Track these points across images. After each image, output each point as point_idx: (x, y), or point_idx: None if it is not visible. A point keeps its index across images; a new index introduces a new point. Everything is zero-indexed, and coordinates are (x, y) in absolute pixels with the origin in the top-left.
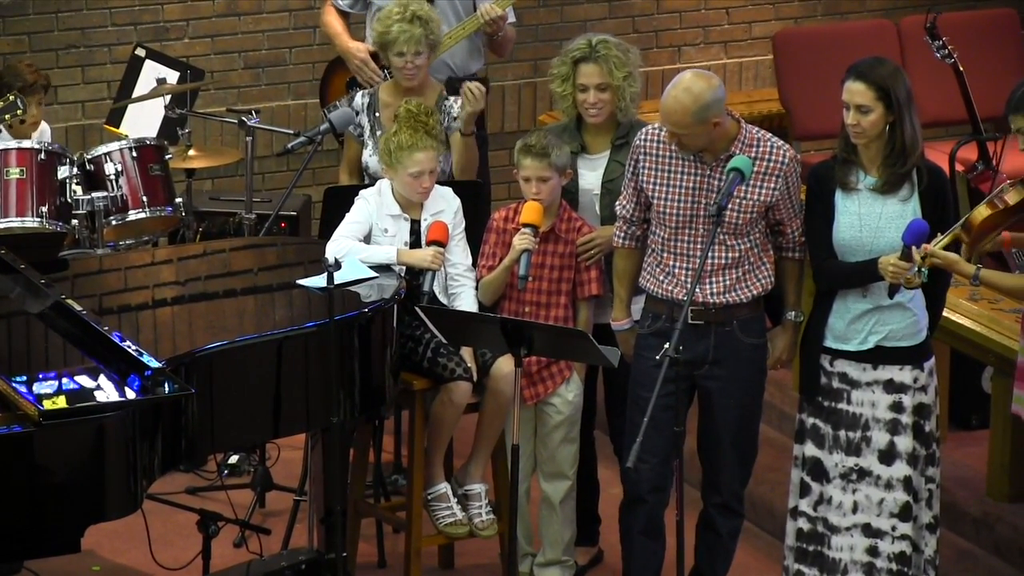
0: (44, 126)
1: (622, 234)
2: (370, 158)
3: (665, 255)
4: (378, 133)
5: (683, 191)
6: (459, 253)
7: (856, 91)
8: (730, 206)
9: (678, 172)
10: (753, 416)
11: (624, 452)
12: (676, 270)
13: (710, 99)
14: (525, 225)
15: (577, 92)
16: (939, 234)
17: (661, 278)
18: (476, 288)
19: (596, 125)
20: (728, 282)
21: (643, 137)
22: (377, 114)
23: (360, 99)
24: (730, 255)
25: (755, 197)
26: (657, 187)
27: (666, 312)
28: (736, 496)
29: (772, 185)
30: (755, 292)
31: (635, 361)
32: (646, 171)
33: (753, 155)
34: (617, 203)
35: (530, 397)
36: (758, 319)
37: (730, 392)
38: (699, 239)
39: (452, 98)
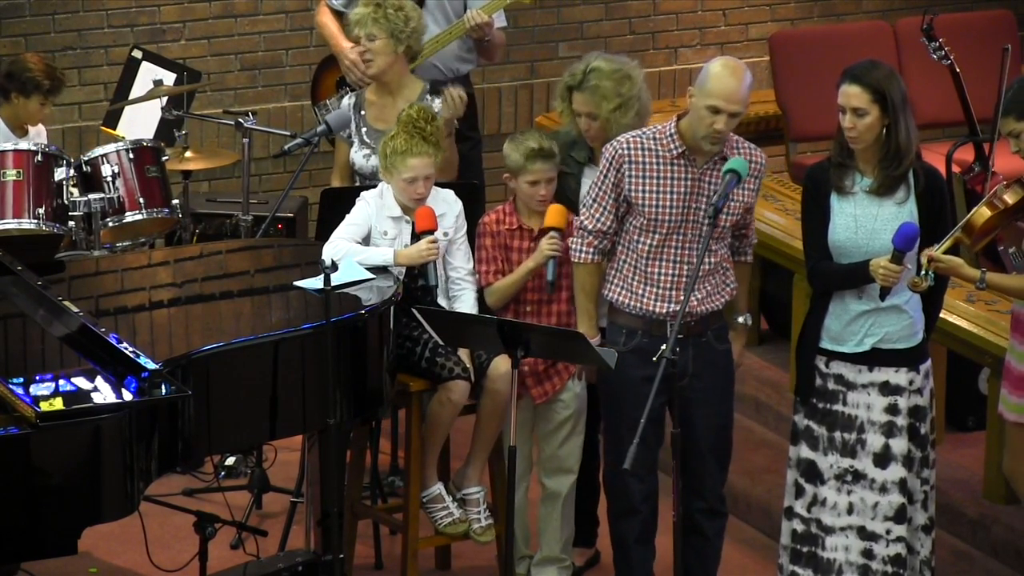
0: (40, 127)
1: (591, 249)
2: (355, 154)
3: (650, 264)
4: (363, 130)
5: (675, 196)
6: (460, 257)
7: (852, 94)
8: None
9: (668, 178)
10: (730, 420)
11: (610, 460)
12: (661, 278)
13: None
14: (551, 229)
15: (574, 115)
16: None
17: (640, 291)
18: (477, 291)
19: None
20: (709, 288)
21: (625, 147)
22: (363, 112)
23: (347, 100)
24: (712, 260)
25: (741, 199)
26: (647, 194)
27: (643, 328)
28: (719, 498)
29: (752, 187)
30: (727, 298)
31: (616, 378)
32: (634, 180)
33: (736, 155)
34: (587, 217)
35: (539, 396)
36: (724, 324)
37: (710, 401)
38: (687, 244)
39: (436, 101)
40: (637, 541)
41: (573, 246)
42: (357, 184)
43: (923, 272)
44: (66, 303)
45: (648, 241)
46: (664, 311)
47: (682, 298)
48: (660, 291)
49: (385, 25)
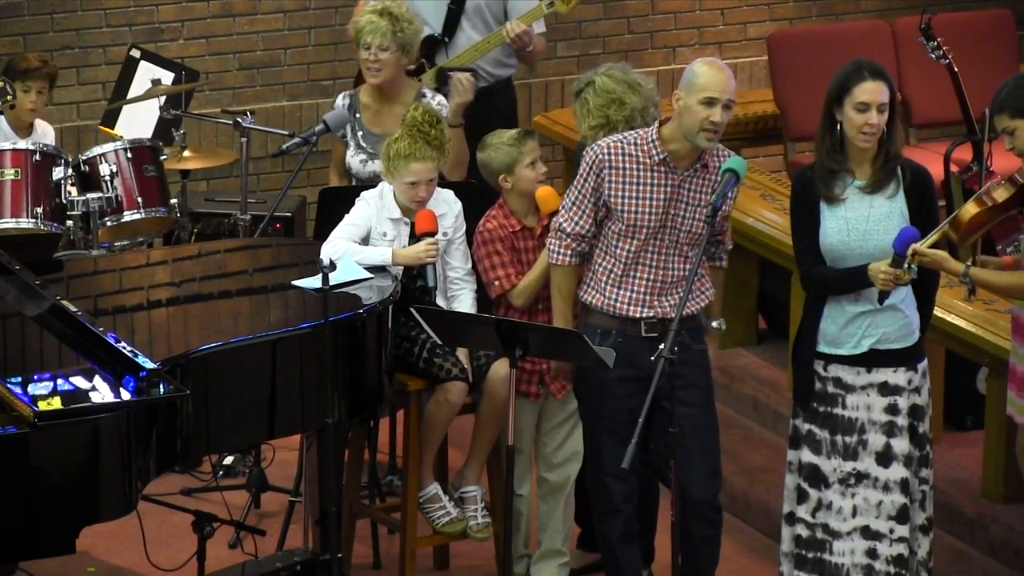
0: (48, 127)
1: (569, 252)
2: (352, 159)
3: (627, 269)
4: (360, 134)
5: (654, 203)
6: (459, 257)
7: (878, 90)
8: (697, 216)
9: (648, 184)
10: (715, 420)
11: (590, 462)
12: (638, 283)
13: None
14: (556, 213)
15: None
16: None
17: (614, 295)
18: (476, 292)
19: None
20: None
21: (606, 152)
22: (357, 115)
23: (341, 100)
24: (687, 266)
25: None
26: (627, 200)
27: (617, 328)
28: (711, 506)
29: (731, 193)
30: (703, 304)
31: (592, 381)
32: (615, 185)
33: (719, 163)
34: (566, 220)
35: (559, 390)
36: (698, 325)
37: (692, 401)
38: (664, 250)
39: (429, 93)
40: (620, 540)
41: (551, 248)
42: (355, 184)
43: (907, 265)
44: (64, 303)
45: (626, 247)
46: (639, 316)
47: (656, 303)
48: (635, 295)
49: (401, 38)
